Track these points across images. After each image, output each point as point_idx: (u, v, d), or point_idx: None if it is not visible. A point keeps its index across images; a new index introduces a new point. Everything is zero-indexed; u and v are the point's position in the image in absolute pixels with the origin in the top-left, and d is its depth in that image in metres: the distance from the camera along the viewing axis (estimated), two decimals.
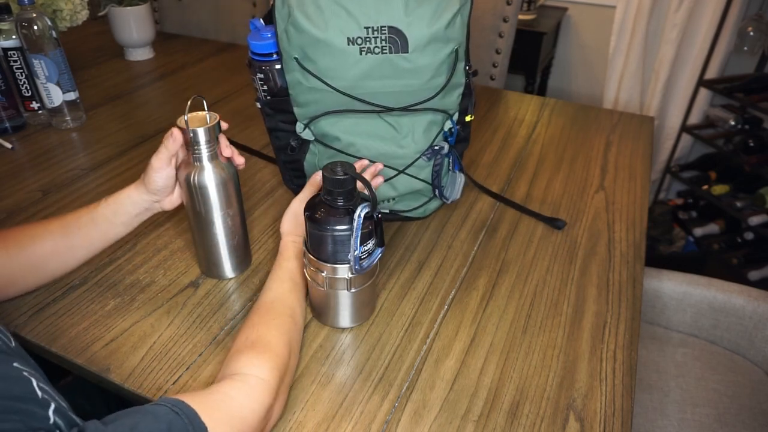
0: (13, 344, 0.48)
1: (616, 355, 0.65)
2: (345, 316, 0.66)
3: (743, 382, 0.98)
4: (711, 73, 2.00)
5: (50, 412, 0.41)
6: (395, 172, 0.77)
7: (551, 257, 0.80)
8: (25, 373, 0.42)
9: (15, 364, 0.42)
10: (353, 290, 0.63)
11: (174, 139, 0.63)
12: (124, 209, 0.68)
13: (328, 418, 0.57)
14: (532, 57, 2.05)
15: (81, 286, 0.73)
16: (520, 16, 1.81)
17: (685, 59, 2.05)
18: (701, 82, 2.00)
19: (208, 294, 0.72)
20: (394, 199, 0.81)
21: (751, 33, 1.89)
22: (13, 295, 0.69)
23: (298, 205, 0.72)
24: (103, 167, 0.99)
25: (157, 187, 0.66)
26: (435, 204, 0.85)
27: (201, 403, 0.46)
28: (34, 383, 0.42)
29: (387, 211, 0.83)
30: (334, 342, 0.66)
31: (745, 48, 1.91)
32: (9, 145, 1.04)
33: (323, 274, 0.62)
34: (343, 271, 0.61)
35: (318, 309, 0.68)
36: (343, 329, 0.67)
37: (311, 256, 0.62)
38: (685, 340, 1.07)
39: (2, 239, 0.65)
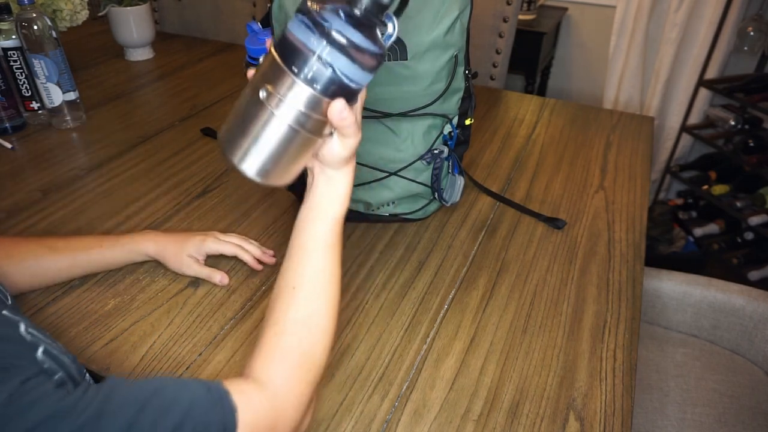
0: (10, 302, 0.48)
1: (616, 355, 0.65)
2: (260, 153, 0.45)
3: (743, 382, 0.98)
4: (711, 73, 2.00)
5: (38, 354, 0.41)
6: (393, 176, 0.77)
7: (551, 257, 0.80)
8: (13, 318, 0.42)
9: (4, 312, 0.43)
10: (299, 128, 0.45)
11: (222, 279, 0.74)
12: (128, 257, 0.74)
13: (328, 418, 0.57)
14: (532, 57, 2.05)
15: (81, 286, 0.73)
16: (520, 16, 1.81)
17: (685, 59, 2.05)
18: (701, 82, 2.00)
19: (208, 294, 0.72)
20: (393, 202, 0.81)
21: (751, 33, 1.89)
22: None
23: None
24: (103, 167, 0.99)
25: (166, 264, 0.74)
26: (435, 206, 0.85)
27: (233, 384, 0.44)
28: (22, 327, 0.42)
29: (387, 214, 0.83)
30: (334, 342, 0.66)
31: (745, 48, 1.91)
32: (9, 145, 1.04)
33: (276, 88, 0.44)
34: (303, 94, 0.44)
35: (235, 128, 0.46)
36: (251, 179, 0.47)
37: (276, 56, 0.44)
38: (685, 340, 1.07)
39: (7, 249, 0.68)
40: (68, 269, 0.72)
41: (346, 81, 0.44)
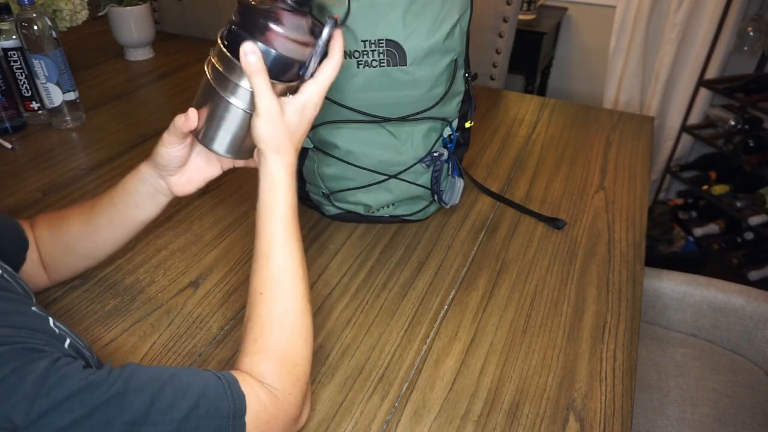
0: (34, 300, 0.52)
1: (616, 355, 0.65)
2: (225, 137, 0.56)
3: (743, 382, 0.98)
4: (711, 73, 2.01)
5: (66, 346, 0.44)
6: (393, 179, 0.77)
7: (551, 257, 0.80)
8: (42, 314, 0.46)
9: (33, 308, 0.46)
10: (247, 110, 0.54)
11: (187, 118, 0.57)
12: (134, 187, 0.64)
13: (328, 418, 0.57)
14: (532, 57, 2.05)
15: (81, 286, 0.73)
16: (520, 16, 1.81)
17: (685, 59, 2.05)
18: (701, 82, 2.00)
19: (208, 294, 0.72)
20: (393, 204, 0.81)
21: (751, 33, 1.89)
22: (57, 279, 0.70)
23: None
24: (103, 167, 0.99)
25: (162, 163, 0.62)
26: (434, 207, 0.86)
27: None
28: (51, 321, 0.46)
29: (386, 215, 0.83)
30: (334, 342, 0.66)
31: (745, 48, 1.92)
32: (9, 145, 1.04)
33: (235, 80, 0.52)
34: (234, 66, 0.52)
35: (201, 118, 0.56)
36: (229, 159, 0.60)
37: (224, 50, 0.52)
38: (685, 340, 1.07)
39: (45, 221, 0.67)
40: (93, 230, 0.66)
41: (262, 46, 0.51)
